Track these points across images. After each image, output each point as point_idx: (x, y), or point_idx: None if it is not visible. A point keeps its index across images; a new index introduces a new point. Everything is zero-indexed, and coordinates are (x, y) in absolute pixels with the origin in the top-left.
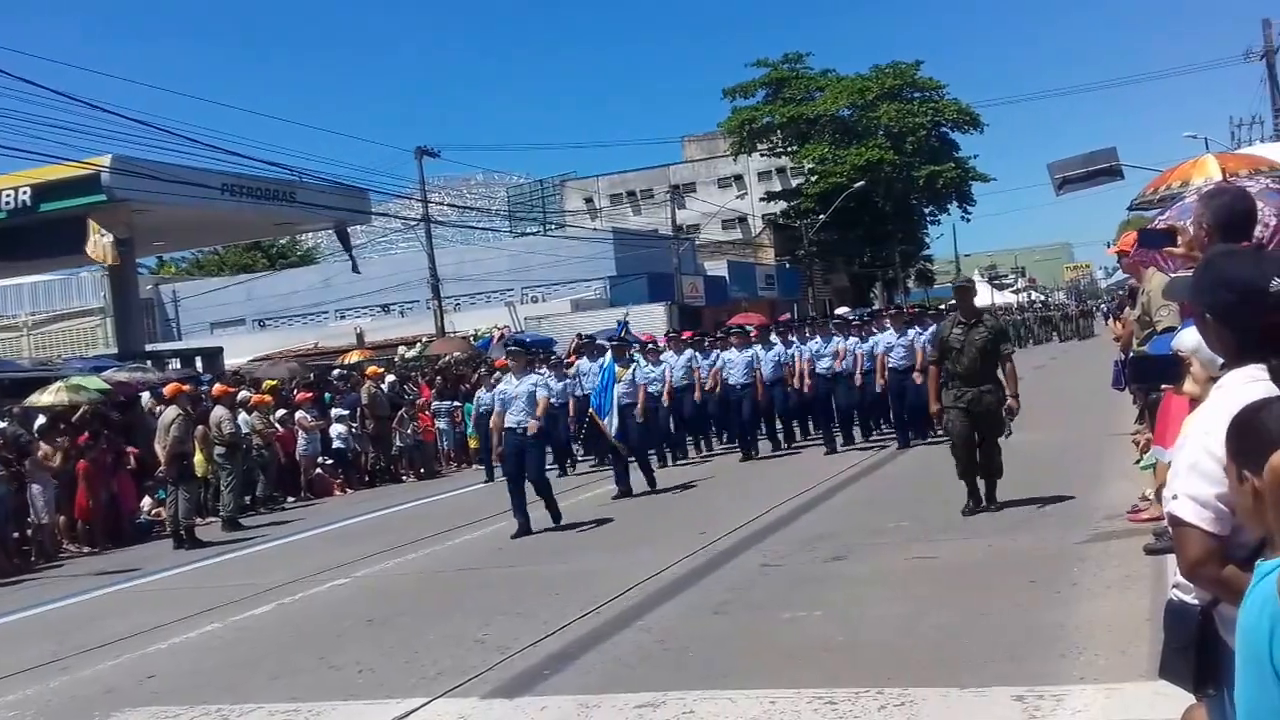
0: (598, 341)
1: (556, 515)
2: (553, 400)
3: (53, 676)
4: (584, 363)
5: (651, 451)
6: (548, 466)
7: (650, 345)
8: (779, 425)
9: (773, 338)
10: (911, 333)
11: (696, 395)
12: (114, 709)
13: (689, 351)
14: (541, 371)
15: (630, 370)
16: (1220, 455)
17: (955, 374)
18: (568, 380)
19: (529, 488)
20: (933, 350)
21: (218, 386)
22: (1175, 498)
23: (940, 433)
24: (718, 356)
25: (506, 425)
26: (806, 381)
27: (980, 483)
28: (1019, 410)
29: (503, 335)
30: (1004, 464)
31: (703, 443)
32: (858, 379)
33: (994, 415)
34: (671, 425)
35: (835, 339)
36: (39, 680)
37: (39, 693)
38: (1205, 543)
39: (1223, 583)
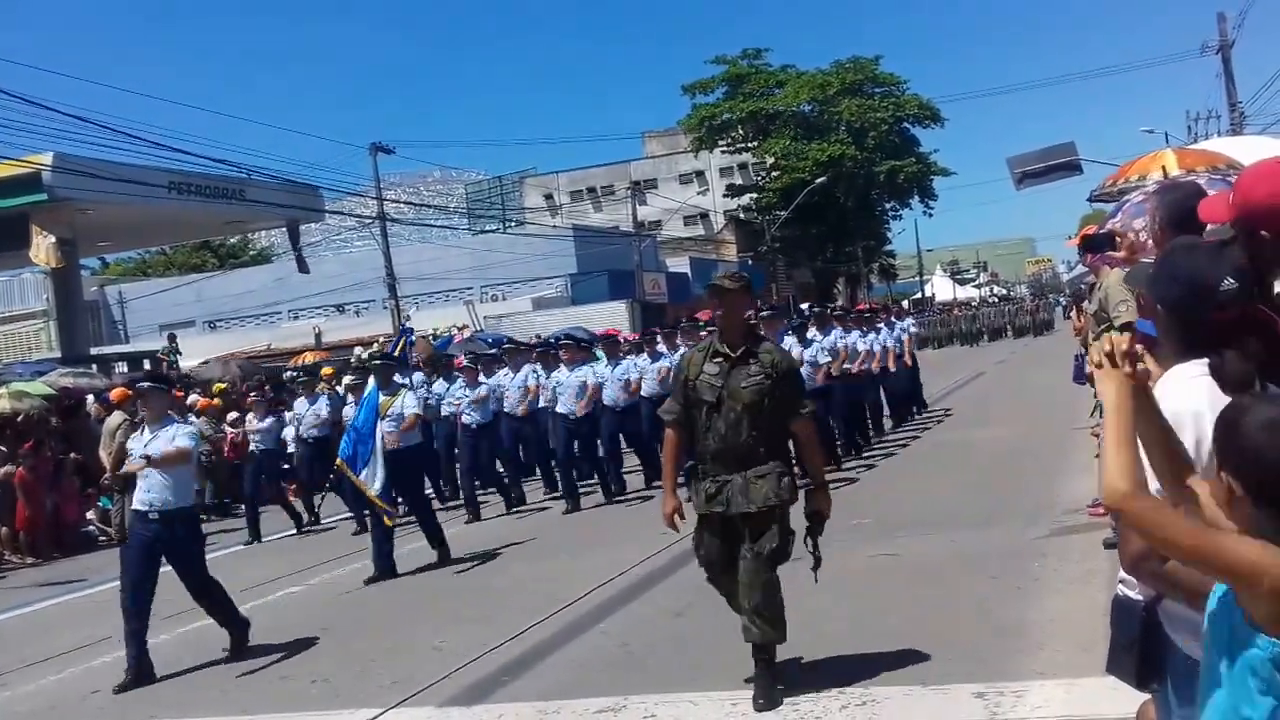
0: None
1: (238, 633)
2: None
3: None
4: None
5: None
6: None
7: (470, 363)
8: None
9: (669, 346)
10: (829, 339)
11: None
12: None
13: (528, 368)
14: (182, 419)
15: (399, 399)
16: None
17: (706, 450)
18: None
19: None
20: (670, 402)
21: None
22: None
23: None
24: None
25: (134, 506)
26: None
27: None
28: (829, 513)
29: (466, 331)
30: (949, 481)
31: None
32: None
33: (771, 519)
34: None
35: None
36: None
37: None
38: None
39: (1164, 577)
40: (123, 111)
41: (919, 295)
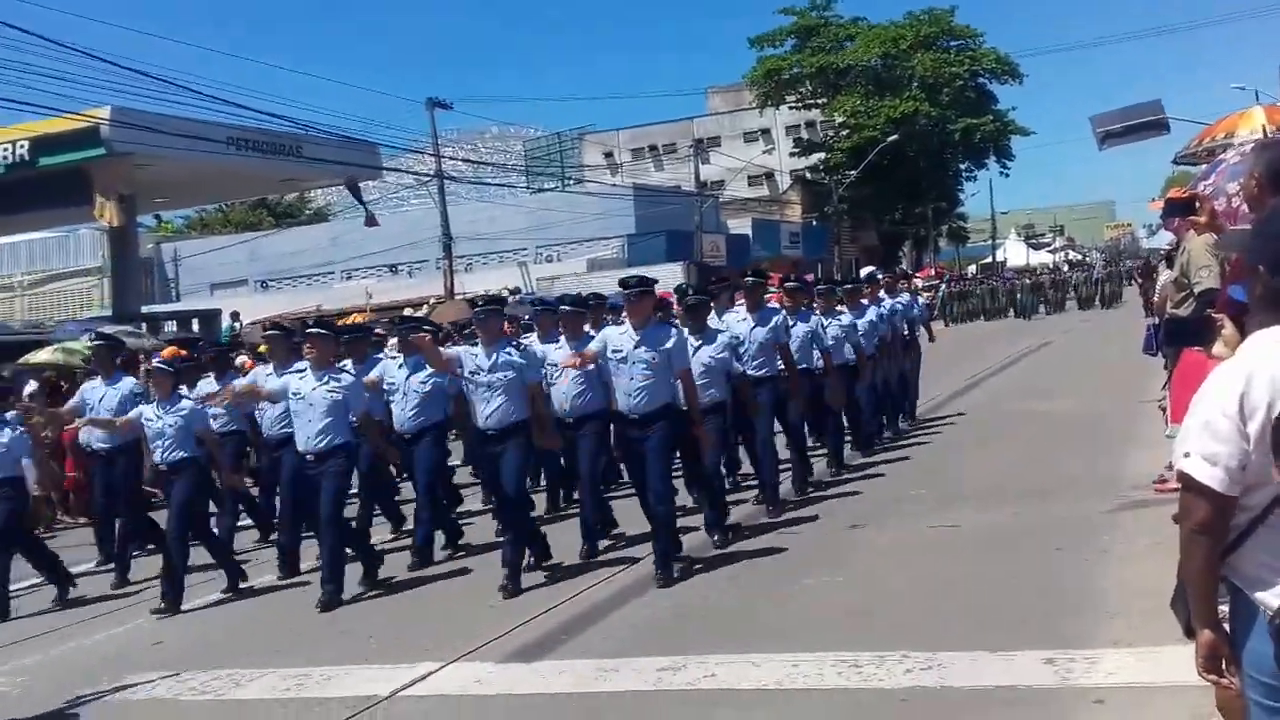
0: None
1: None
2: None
3: (57, 644)
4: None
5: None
6: None
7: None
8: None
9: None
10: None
11: None
12: (123, 672)
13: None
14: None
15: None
16: (1234, 414)
17: None
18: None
19: None
20: None
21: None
22: (1187, 456)
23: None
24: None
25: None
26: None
27: None
28: None
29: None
30: (1009, 454)
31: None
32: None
33: None
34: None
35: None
36: (44, 648)
37: (43, 660)
38: (1216, 504)
39: (1210, 556)
40: (181, 65)
41: (989, 259)
